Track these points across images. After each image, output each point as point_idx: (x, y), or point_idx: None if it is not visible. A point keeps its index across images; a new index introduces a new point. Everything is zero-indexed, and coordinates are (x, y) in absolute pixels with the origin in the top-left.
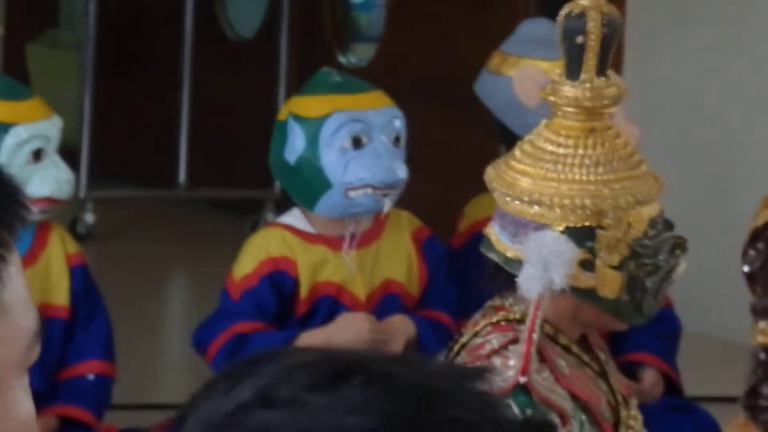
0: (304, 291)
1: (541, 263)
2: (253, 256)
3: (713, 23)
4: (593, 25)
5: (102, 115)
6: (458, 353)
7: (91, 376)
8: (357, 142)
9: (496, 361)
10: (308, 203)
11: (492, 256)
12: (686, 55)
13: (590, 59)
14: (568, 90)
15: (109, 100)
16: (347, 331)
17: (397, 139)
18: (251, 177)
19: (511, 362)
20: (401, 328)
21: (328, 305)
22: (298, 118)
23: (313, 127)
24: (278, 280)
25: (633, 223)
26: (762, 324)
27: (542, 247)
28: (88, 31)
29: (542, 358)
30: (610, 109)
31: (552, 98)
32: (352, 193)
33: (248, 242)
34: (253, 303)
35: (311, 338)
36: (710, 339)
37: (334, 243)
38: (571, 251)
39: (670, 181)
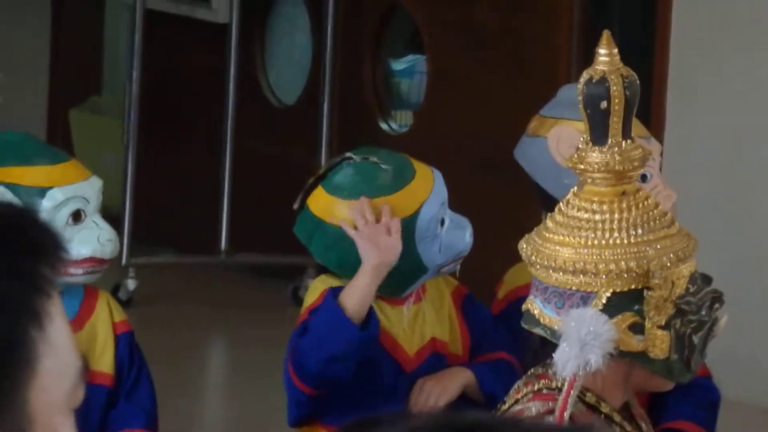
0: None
1: (579, 343)
2: (315, 291)
3: (754, 81)
4: (616, 89)
5: (144, 181)
6: None
7: None
8: (443, 222)
9: None
10: (397, 292)
11: (537, 330)
12: (727, 112)
13: (615, 123)
14: (597, 156)
15: (150, 167)
16: (381, 250)
17: None
18: (292, 243)
19: None
20: (454, 375)
21: (380, 354)
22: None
23: (407, 225)
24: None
25: (676, 281)
26: None
27: (582, 327)
28: (131, 98)
29: None
30: (638, 171)
31: (581, 166)
32: (444, 269)
33: (309, 291)
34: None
35: (358, 276)
36: (749, 407)
37: (389, 298)
38: (609, 333)
39: (708, 245)
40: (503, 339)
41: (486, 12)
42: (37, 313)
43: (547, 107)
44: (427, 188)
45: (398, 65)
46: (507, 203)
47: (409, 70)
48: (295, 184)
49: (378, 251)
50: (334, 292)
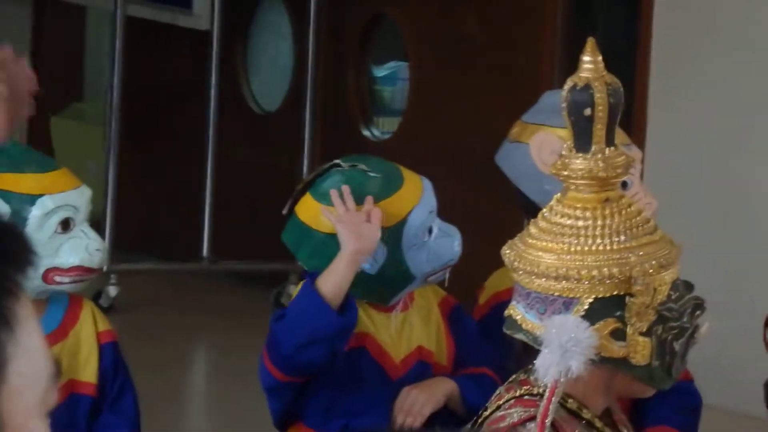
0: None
1: (560, 349)
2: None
3: (735, 88)
4: (600, 97)
5: (126, 188)
6: (481, 425)
7: None
8: (431, 231)
9: None
10: (385, 299)
11: (520, 336)
12: (709, 119)
13: (599, 130)
14: (581, 163)
15: (132, 173)
16: (361, 236)
17: None
18: (275, 249)
19: None
20: (440, 384)
21: (365, 360)
22: None
23: (394, 232)
24: None
25: (658, 288)
26: None
27: (563, 333)
28: (112, 105)
29: None
30: (621, 178)
31: (564, 173)
32: (432, 278)
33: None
34: None
35: (336, 263)
36: (731, 413)
37: (376, 305)
38: (591, 339)
39: (694, 253)
40: (488, 354)
41: (471, 21)
42: (5, 315)
43: (529, 113)
44: (416, 196)
45: (380, 72)
46: (490, 209)
47: (392, 77)
48: (277, 191)
49: (357, 237)
50: (312, 277)
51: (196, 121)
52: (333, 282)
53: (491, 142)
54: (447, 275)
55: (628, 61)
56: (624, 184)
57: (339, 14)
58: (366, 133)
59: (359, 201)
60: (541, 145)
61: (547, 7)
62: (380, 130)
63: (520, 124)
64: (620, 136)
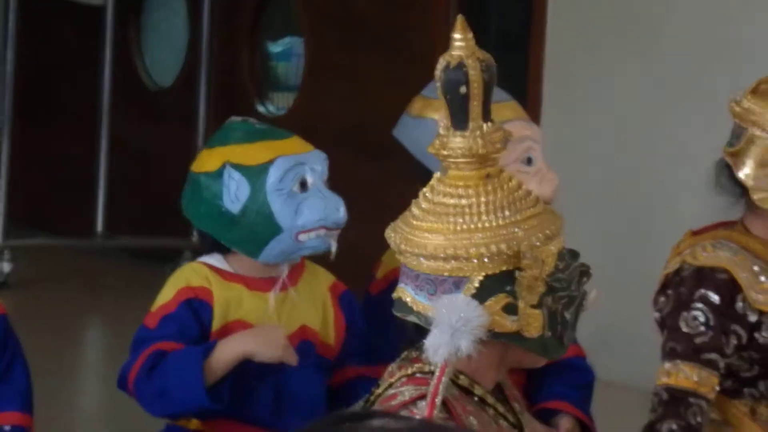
0: (216, 325)
1: (450, 329)
2: (171, 286)
3: (627, 70)
4: (474, 74)
5: (19, 164)
6: (374, 403)
7: (7, 428)
8: (303, 185)
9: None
10: (253, 251)
11: (411, 318)
12: (600, 101)
13: (476, 107)
14: (460, 141)
15: (26, 149)
16: (265, 342)
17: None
18: (169, 225)
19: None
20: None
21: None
22: (239, 167)
23: (258, 174)
24: (197, 307)
25: (546, 260)
26: (667, 365)
27: (452, 313)
28: (5, 79)
29: (450, 415)
30: (501, 153)
31: (444, 152)
32: (302, 236)
33: (167, 280)
34: (173, 327)
35: (229, 348)
36: (626, 388)
37: (252, 283)
38: (480, 319)
39: (585, 232)
40: (366, 352)
41: (365, 0)
42: None
43: (429, 88)
44: (292, 149)
45: (275, 48)
46: (385, 185)
47: (286, 53)
48: (171, 166)
49: (263, 344)
50: (205, 350)
51: (90, 96)
52: (218, 366)
53: (386, 119)
54: (333, 248)
55: (523, 44)
56: (529, 161)
57: None
58: (261, 108)
59: (249, 138)
60: None
61: None
62: (275, 105)
63: (422, 99)
64: (519, 112)
